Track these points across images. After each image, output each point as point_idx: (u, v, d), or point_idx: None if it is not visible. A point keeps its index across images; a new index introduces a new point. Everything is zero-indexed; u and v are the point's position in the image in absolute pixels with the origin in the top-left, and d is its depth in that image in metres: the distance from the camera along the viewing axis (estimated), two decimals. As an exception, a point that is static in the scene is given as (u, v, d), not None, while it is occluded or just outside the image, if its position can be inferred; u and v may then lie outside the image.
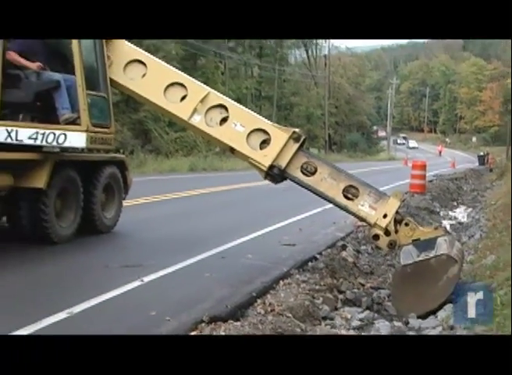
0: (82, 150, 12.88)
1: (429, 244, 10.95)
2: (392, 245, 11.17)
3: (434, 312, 10.37)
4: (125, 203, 15.42)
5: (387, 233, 11.06)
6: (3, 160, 11.83)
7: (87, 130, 12.35)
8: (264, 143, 11.93)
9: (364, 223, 12.45)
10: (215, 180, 30.94)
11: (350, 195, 11.49)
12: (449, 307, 10.26)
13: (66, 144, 12.20)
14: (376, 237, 11.21)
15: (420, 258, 10.79)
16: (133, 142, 42.06)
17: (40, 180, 12.23)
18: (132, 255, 12.39)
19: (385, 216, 11.09)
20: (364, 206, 11.37)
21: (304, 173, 11.66)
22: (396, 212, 11.24)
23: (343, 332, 9.39)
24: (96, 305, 8.92)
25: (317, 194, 11.84)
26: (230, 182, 30.42)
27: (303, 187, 11.87)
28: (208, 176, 36.16)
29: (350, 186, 11.54)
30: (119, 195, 15.06)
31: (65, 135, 12.10)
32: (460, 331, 7.17)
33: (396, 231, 11.08)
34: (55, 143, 12.10)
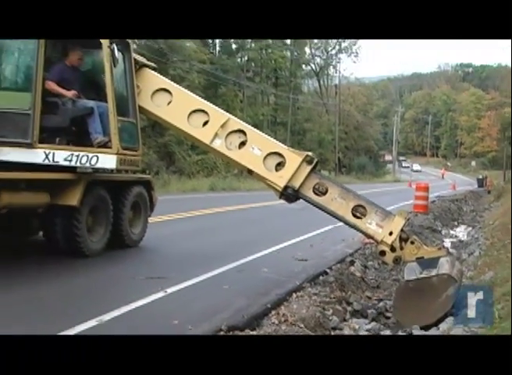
0: (112, 171, 12.95)
1: (432, 262, 10.96)
2: (397, 261, 11.19)
3: (436, 324, 10.36)
4: (150, 220, 15.43)
5: (393, 249, 11.04)
6: (41, 180, 11.95)
7: (117, 153, 12.40)
8: (279, 165, 11.96)
9: (371, 241, 12.46)
10: (234, 200, 30.92)
11: (358, 214, 11.48)
12: (450, 319, 10.23)
13: (98, 166, 12.27)
14: (383, 253, 11.19)
15: (423, 276, 10.84)
16: (158, 164, 42.17)
17: (73, 199, 12.29)
18: (156, 268, 12.38)
19: (390, 233, 11.07)
20: (371, 224, 11.36)
21: (315, 193, 11.67)
22: (402, 231, 11.22)
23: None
24: (124, 314, 8.95)
25: (328, 213, 11.82)
26: (247, 201, 30.40)
27: (315, 206, 11.87)
28: (227, 195, 36.14)
29: (359, 205, 11.54)
30: (145, 213, 15.08)
31: (97, 157, 12.16)
32: (460, 331, 6.91)
33: (402, 248, 11.06)
34: (88, 164, 12.16)
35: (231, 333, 8.22)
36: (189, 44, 61.31)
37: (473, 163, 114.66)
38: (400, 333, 10.26)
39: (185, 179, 45.07)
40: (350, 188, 12.31)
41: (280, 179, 11.76)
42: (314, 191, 11.72)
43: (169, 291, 10.40)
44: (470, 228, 26.74)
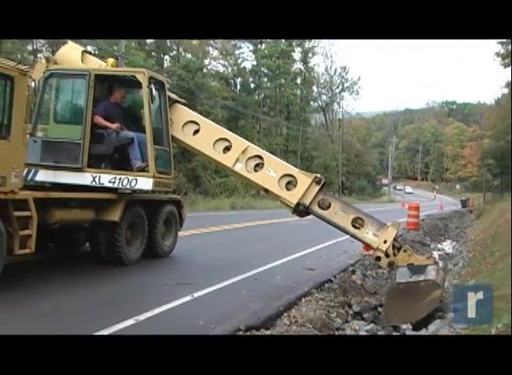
0: (148, 191, 13.00)
1: (420, 269, 11.15)
2: (391, 265, 11.33)
3: (426, 326, 10.33)
4: (180, 234, 15.41)
5: (387, 255, 11.20)
6: (87, 199, 12.06)
7: (153, 176, 12.51)
8: (289, 184, 12.08)
9: (370, 252, 12.55)
10: (251, 217, 30.86)
11: (357, 225, 11.65)
12: (437, 322, 10.21)
13: (137, 187, 12.47)
14: (378, 258, 11.35)
15: (412, 280, 11.03)
16: (186, 185, 42.23)
17: (115, 215, 12.41)
18: (185, 275, 12.40)
19: (385, 241, 11.24)
20: (368, 234, 11.54)
21: (320, 208, 11.80)
22: (396, 240, 11.45)
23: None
24: (157, 314, 8.99)
25: (332, 225, 11.93)
26: (263, 218, 30.32)
27: (321, 219, 11.98)
28: (246, 213, 36.10)
29: (357, 218, 11.71)
30: (176, 227, 15.10)
31: (136, 180, 12.30)
32: (460, 331, 6.44)
33: (395, 255, 11.23)
34: (128, 186, 12.33)
35: (248, 332, 8.25)
36: (214, 83, 61.60)
37: (457, 186, 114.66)
38: (394, 333, 10.29)
39: (209, 199, 45.08)
40: (349, 203, 12.69)
41: (293, 197, 11.87)
42: (319, 206, 11.83)
43: (196, 295, 10.44)
44: (455, 242, 26.61)
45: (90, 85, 12.47)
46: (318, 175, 12.22)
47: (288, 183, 12.17)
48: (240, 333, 8.12)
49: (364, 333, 9.81)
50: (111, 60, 13.86)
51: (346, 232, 11.90)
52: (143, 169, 12.56)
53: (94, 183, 12.27)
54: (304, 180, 12.02)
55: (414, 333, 10.10)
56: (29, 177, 12.04)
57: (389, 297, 11.27)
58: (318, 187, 11.91)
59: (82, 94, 12.66)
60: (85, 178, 12.27)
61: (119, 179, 12.34)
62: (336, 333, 9.49)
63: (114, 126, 12.70)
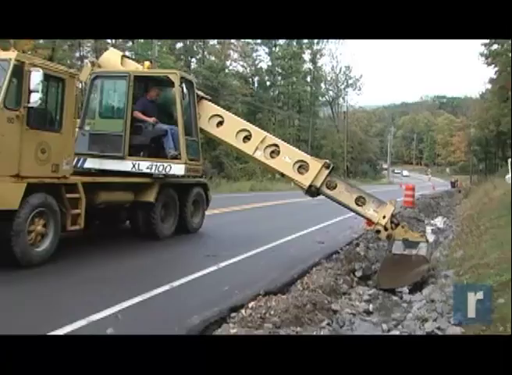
0: (179, 176, 13.10)
1: (413, 244, 11.36)
2: (389, 237, 11.50)
3: (420, 290, 10.41)
4: (206, 213, 15.49)
5: (386, 229, 11.41)
6: (127, 183, 12.20)
7: (185, 163, 12.61)
8: (302, 168, 12.18)
9: (371, 228, 12.61)
10: (268, 197, 30.86)
11: (360, 203, 11.82)
12: (430, 287, 10.27)
13: (171, 172, 12.56)
14: (378, 231, 11.58)
15: (405, 253, 11.24)
16: (211, 171, 42.19)
17: (151, 196, 12.55)
18: (211, 248, 12.42)
19: (384, 216, 11.45)
20: (369, 210, 11.72)
21: (328, 188, 11.96)
22: (394, 216, 11.72)
23: (357, 303, 9.42)
24: (188, 281, 9.08)
25: (338, 203, 12.10)
26: (278, 199, 30.30)
27: (329, 198, 12.15)
28: (263, 194, 36.06)
29: (360, 197, 11.88)
30: (203, 207, 15.17)
31: (170, 166, 12.44)
32: (460, 331, 5.80)
33: (393, 229, 11.45)
34: (163, 171, 12.47)
35: (267, 296, 8.29)
36: (234, 82, 61.48)
37: (447, 170, 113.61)
38: (393, 297, 10.34)
39: (231, 182, 45.06)
40: (353, 184, 12.90)
41: (306, 180, 11.98)
42: (327, 187, 11.97)
43: (221, 265, 10.52)
44: (445, 218, 26.45)
45: (130, 85, 12.62)
46: (327, 161, 12.33)
47: (301, 167, 12.24)
48: (260, 297, 8.17)
49: (367, 297, 9.89)
50: (147, 63, 14.08)
51: (351, 209, 12.06)
52: (176, 157, 12.65)
53: (133, 170, 12.40)
54: (315, 165, 12.10)
55: (409, 297, 10.22)
56: (78, 165, 12.17)
57: (384, 264, 11.42)
58: (327, 172, 12.00)
59: (123, 92, 12.79)
60: (126, 165, 12.42)
61: (155, 165, 12.47)
62: (343, 297, 9.58)
63: (150, 119, 12.81)
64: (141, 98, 13.13)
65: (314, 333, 5.84)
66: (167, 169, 12.51)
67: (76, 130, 12.11)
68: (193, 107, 13.20)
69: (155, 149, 12.93)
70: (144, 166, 12.48)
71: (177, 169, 12.57)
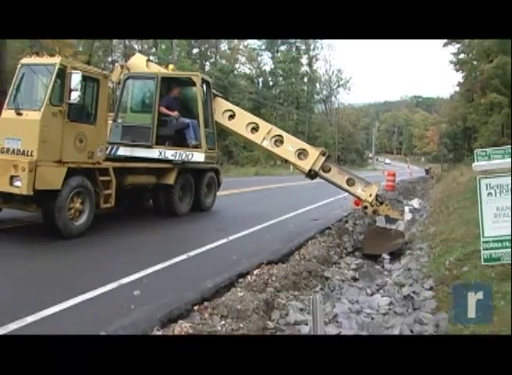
0: (199, 163, 13.14)
1: (393, 221, 11.88)
2: (374, 212, 11.88)
3: (399, 260, 10.47)
4: (218, 194, 15.46)
5: (372, 205, 11.76)
6: (151, 168, 12.23)
7: (205, 151, 12.64)
8: (303, 155, 12.43)
9: (358, 207, 12.82)
10: (270, 181, 30.82)
11: (349, 183, 12.15)
12: (407, 258, 10.32)
13: (193, 160, 12.61)
14: (366, 207, 11.91)
15: (386, 226, 11.67)
16: (222, 158, 42.20)
17: (170, 179, 12.58)
18: (222, 223, 12.50)
19: (370, 195, 11.83)
20: (358, 189, 12.09)
21: (324, 172, 12.22)
22: (378, 196, 12.07)
23: (346, 271, 9.46)
24: (202, 252, 9.11)
25: (333, 184, 12.40)
26: (279, 182, 30.27)
27: (325, 179, 12.45)
28: (266, 178, 36.04)
29: (350, 178, 12.24)
30: (215, 189, 15.13)
31: (192, 154, 12.48)
32: (460, 331, 5.27)
33: (377, 206, 11.84)
34: (186, 159, 12.51)
35: (269, 265, 8.32)
36: (242, 82, 61.30)
37: (422, 159, 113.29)
38: (376, 266, 10.37)
39: (239, 167, 45.05)
40: (344, 168, 13.47)
41: (306, 165, 12.28)
42: (323, 170, 12.23)
43: (230, 238, 10.53)
44: (420, 200, 26.53)
45: (157, 85, 12.65)
46: (324, 149, 12.71)
47: (301, 154, 12.45)
48: (263, 265, 8.21)
49: (354, 266, 9.93)
50: (171, 66, 14.30)
51: (343, 188, 12.34)
52: (196, 146, 12.68)
53: (160, 157, 12.43)
54: (313, 152, 12.37)
55: (389, 266, 10.26)
56: (112, 152, 12.20)
57: (368, 234, 11.78)
58: (323, 158, 12.28)
59: (151, 91, 12.86)
60: (154, 153, 12.44)
61: (179, 153, 12.48)
62: (334, 266, 9.62)
63: (174, 114, 12.80)
64: (166, 95, 13.07)
65: (314, 334, 5.56)
66: (189, 157, 12.53)
67: (110, 122, 12.17)
68: (210, 103, 13.21)
69: (178, 139, 12.90)
70: (170, 153, 12.49)
71: (198, 156, 12.59)
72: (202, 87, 12.92)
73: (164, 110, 12.75)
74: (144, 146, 12.44)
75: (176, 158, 12.52)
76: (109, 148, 12.11)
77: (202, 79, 13.09)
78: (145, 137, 12.44)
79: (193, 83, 13.05)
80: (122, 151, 12.42)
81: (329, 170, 12.29)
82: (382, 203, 12.04)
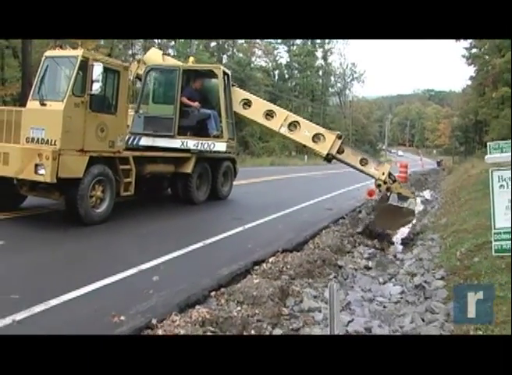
0: (220, 152, 13.22)
1: (405, 198, 12.00)
2: (388, 190, 11.90)
3: (411, 250, 10.39)
4: (234, 183, 15.45)
5: (385, 183, 11.87)
6: (169, 157, 12.30)
7: (226, 141, 12.66)
8: (319, 139, 12.50)
9: (373, 197, 12.87)
10: (284, 171, 30.79)
11: (363, 163, 12.26)
12: (419, 248, 10.25)
13: (215, 149, 12.67)
14: (379, 185, 11.96)
15: (398, 204, 11.77)
16: (238, 148, 42.22)
17: (188, 168, 12.60)
18: (237, 212, 12.48)
19: (383, 173, 11.92)
20: (371, 168, 12.18)
21: (339, 153, 12.33)
22: (391, 174, 12.14)
23: (359, 260, 9.42)
24: (218, 240, 9.09)
25: (347, 164, 12.52)
26: (293, 172, 30.16)
27: (340, 161, 12.58)
28: (281, 168, 35.99)
29: (363, 158, 12.36)
30: (231, 178, 15.12)
31: (214, 144, 12.52)
32: (460, 331, 5.23)
33: (391, 183, 11.94)
34: (208, 148, 12.53)
35: (284, 253, 8.31)
36: (258, 74, 61.12)
37: (434, 151, 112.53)
38: (389, 256, 10.31)
39: (255, 158, 44.95)
40: (356, 149, 13.61)
41: (323, 149, 12.35)
42: (338, 152, 12.33)
43: (246, 227, 10.50)
44: (432, 191, 26.39)
45: (179, 77, 12.63)
46: (339, 132, 12.80)
47: (318, 139, 12.48)
48: (278, 253, 8.20)
49: (367, 255, 9.87)
50: (191, 58, 14.22)
51: (356, 168, 12.41)
52: (218, 136, 12.68)
53: (182, 147, 12.44)
54: (330, 136, 12.44)
55: (401, 256, 10.20)
56: (134, 142, 12.24)
57: (381, 211, 11.76)
58: (340, 141, 12.37)
59: (173, 83, 12.75)
60: (176, 143, 12.44)
61: (201, 143, 12.48)
62: (347, 255, 9.57)
63: (195, 105, 12.77)
64: (187, 87, 13.05)
65: (314, 333, 5.48)
66: (211, 147, 12.54)
67: (132, 113, 12.21)
68: (230, 95, 13.17)
69: (199, 130, 12.87)
70: (192, 143, 12.49)
71: (220, 146, 12.62)
72: (224, 79, 12.89)
73: (186, 101, 12.71)
74: (166, 136, 12.43)
75: (199, 147, 12.52)
76: (132, 138, 12.17)
77: (223, 71, 13.04)
78: (167, 127, 12.43)
79: (215, 76, 13.03)
80: (145, 142, 12.42)
81: (343, 151, 12.37)
82: (394, 181, 12.10)
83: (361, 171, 12.36)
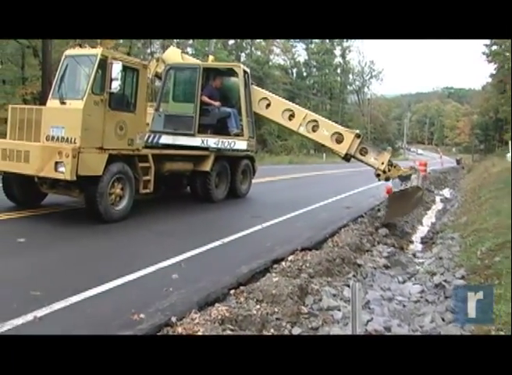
0: (240, 150, 13.23)
1: (407, 178, 12.03)
2: (387, 179, 12.05)
3: (430, 249, 10.29)
4: (253, 181, 15.43)
5: (384, 172, 11.90)
6: (188, 155, 12.31)
7: (247, 139, 12.70)
8: (338, 139, 12.44)
9: None
10: (303, 169, 30.69)
11: (363, 152, 12.28)
12: (439, 247, 10.15)
13: (235, 147, 12.68)
14: (378, 175, 12.00)
15: (402, 188, 11.79)
16: (257, 146, 42.27)
17: (207, 166, 12.60)
18: (256, 210, 12.43)
19: (382, 163, 11.91)
20: (371, 158, 12.18)
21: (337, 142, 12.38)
22: (389, 161, 12.04)
23: (378, 259, 9.35)
24: (238, 238, 9.06)
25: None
26: (311, 171, 30.04)
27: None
28: (299, 167, 35.86)
29: (363, 148, 12.30)
30: (250, 176, 15.12)
31: (234, 142, 12.56)
32: (461, 331, 5.19)
33: (389, 170, 11.91)
34: (228, 147, 12.55)
35: (304, 251, 8.26)
36: (276, 73, 61.08)
37: (453, 149, 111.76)
38: (408, 255, 10.23)
39: (273, 156, 44.94)
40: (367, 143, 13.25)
41: (342, 148, 12.31)
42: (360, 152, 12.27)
43: (264, 225, 10.43)
44: (452, 190, 26.18)
45: (199, 75, 12.66)
46: (358, 131, 12.64)
47: (337, 138, 12.44)
48: (298, 251, 8.15)
49: (386, 254, 9.78)
50: (211, 57, 14.34)
51: (357, 159, 12.41)
52: (238, 135, 12.72)
53: (202, 145, 12.49)
54: (348, 136, 12.35)
55: (420, 255, 10.11)
56: (154, 140, 12.31)
57: (389, 203, 11.90)
58: (359, 140, 12.29)
59: (193, 81, 12.78)
60: (196, 141, 12.48)
61: (222, 141, 12.52)
62: (366, 254, 9.51)
63: (216, 103, 12.82)
64: (207, 85, 13.08)
65: (333, 332, 5.42)
66: (232, 145, 12.56)
67: (152, 111, 12.26)
68: (249, 93, 13.18)
69: (219, 128, 12.90)
70: (212, 142, 12.53)
71: (240, 144, 12.65)
72: (245, 78, 12.87)
73: (206, 100, 12.74)
74: (186, 134, 12.46)
75: (219, 146, 12.56)
76: (152, 137, 12.22)
77: (243, 70, 13.04)
78: (188, 125, 12.46)
79: (235, 74, 13.04)
80: (165, 140, 12.47)
81: (342, 141, 12.36)
82: (392, 165, 12.05)
83: (362, 161, 12.38)
